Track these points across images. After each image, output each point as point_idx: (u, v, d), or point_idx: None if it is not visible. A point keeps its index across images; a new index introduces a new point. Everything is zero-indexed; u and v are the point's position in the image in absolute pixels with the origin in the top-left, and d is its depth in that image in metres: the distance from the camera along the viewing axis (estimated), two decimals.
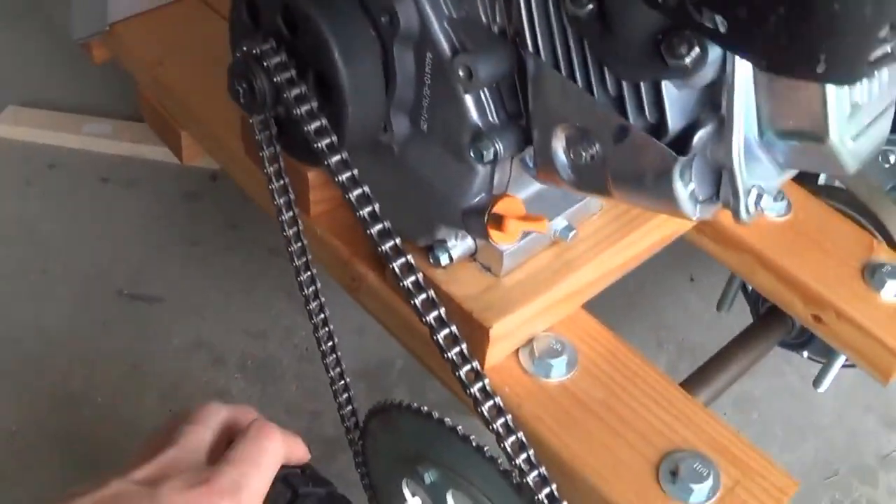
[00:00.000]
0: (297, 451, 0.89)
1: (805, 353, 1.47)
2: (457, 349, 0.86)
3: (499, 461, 0.88)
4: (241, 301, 1.79)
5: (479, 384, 0.85)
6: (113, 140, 2.09)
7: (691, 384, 1.28)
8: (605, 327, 1.11)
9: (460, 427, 0.90)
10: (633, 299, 1.87)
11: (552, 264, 1.07)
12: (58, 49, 2.23)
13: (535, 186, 1.02)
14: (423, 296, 0.87)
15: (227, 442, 0.82)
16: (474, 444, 0.89)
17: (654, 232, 1.15)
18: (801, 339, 1.43)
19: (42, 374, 1.64)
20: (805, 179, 1.63)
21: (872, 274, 1.23)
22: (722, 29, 0.65)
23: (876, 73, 0.76)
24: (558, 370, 1.04)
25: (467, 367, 0.86)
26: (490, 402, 0.85)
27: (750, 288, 1.47)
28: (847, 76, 0.64)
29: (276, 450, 0.82)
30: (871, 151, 0.80)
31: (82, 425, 1.57)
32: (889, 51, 0.65)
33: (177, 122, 1.53)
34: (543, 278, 1.05)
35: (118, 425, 1.58)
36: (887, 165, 1.65)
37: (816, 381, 1.44)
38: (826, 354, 1.41)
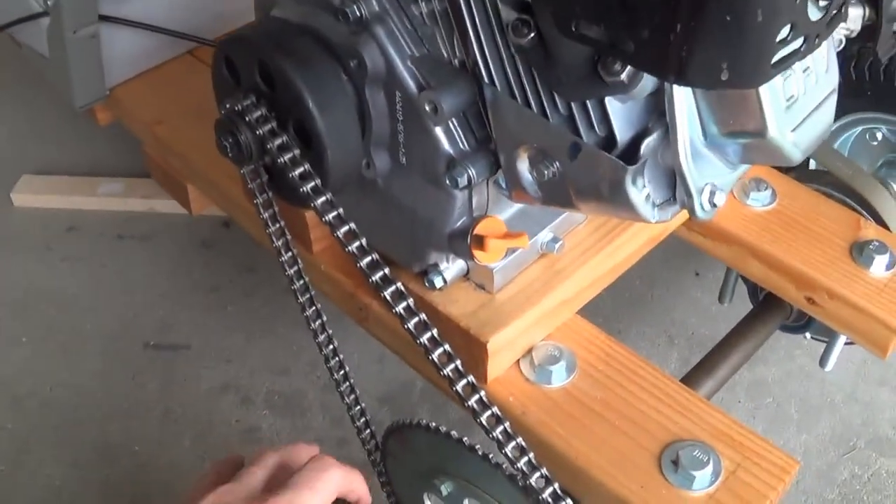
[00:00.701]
0: (356, 486, 0.90)
1: (808, 335, 1.50)
2: (451, 366, 0.91)
3: (504, 466, 0.92)
4: (262, 341, 1.85)
5: (476, 396, 0.90)
6: (126, 198, 2.15)
7: (696, 376, 1.32)
8: (601, 330, 1.15)
9: (466, 438, 0.95)
10: (642, 299, 1.92)
11: (542, 276, 1.11)
12: (66, 114, 2.29)
13: (518, 205, 1.07)
14: (416, 319, 0.92)
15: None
16: (480, 452, 0.93)
17: (640, 234, 1.19)
18: (801, 322, 1.46)
19: (80, 428, 1.69)
20: (795, 167, 1.67)
21: (860, 252, 1.27)
22: (630, 50, 0.69)
23: (806, 63, 0.81)
24: (558, 376, 1.09)
25: (463, 382, 0.90)
26: (488, 413, 0.90)
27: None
28: (752, 80, 0.69)
29: (332, 478, 0.84)
30: (816, 139, 0.85)
31: (123, 474, 1.62)
32: (797, 47, 0.69)
33: (181, 177, 1.59)
34: (535, 290, 1.10)
35: (157, 471, 1.63)
36: (874, 143, 1.68)
37: (822, 361, 1.48)
38: (828, 333, 1.44)
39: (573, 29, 0.72)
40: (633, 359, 1.12)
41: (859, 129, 1.68)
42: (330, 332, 1.10)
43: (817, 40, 0.72)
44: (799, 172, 1.50)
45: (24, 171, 2.24)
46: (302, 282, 1.09)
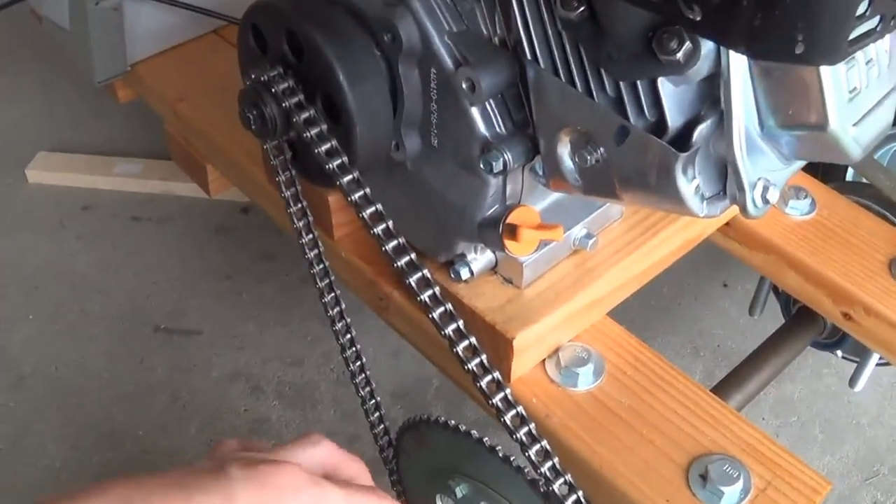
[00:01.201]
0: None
1: (839, 353, 1.46)
2: (477, 360, 0.86)
3: (526, 470, 0.88)
4: (276, 330, 1.81)
5: (501, 394, 0.86)
6: (143, 179, 2.11)
7: (724, 389, 1.28)
8: (631, 334, 1.10)
9: (486, 439, 0.90)
10: (669, 308, 1.87)
11: (573, 273, 1.07)
12: (84, 92, 2.27)
13: (553, 196, 1.03)
14: (441, 309, 0.87)
15: None
16: (501, 454, 0.89)
17: (675, 237, 1.15)
18: (834, 339, 1.42)
19: (83, 410, 1.66)
20: (832, 177, 1.62)
21: None
22: (697, 17, 0.65)
23: (869, 54, 0.76)
24: (585, 379, 1.04)
25: (488, 378, 0.86)
26: (513, 412, 0.85)
27: (780, 290, 1.46)
28: (828, 56, 0.64)
29: (326, 445, 0.80)
30: (876, 137, 0.80)
31: (125, 459, 1.59)
32: (873, 27, 0.64)
33: (201, 157, 1.55)
34: (565, 288, 1.05)
35: (160, 457, 1.59)
36: None
37: (852, 381, 1.43)
38: (859, 353, 1.40)
39: None
40: (664, 365, 1.07)
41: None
42: (348, 320, 1.06)
43: (893, 21, 0.67)
44: (839, 183, 1.46)
45: (40, 148, 2.21)
46: (322, 266, 1.04)
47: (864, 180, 1.45)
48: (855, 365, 1.43)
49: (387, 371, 1.72)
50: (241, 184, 1.42)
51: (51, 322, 1.82)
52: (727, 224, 1.27)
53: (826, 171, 1.67)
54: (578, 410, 1.02)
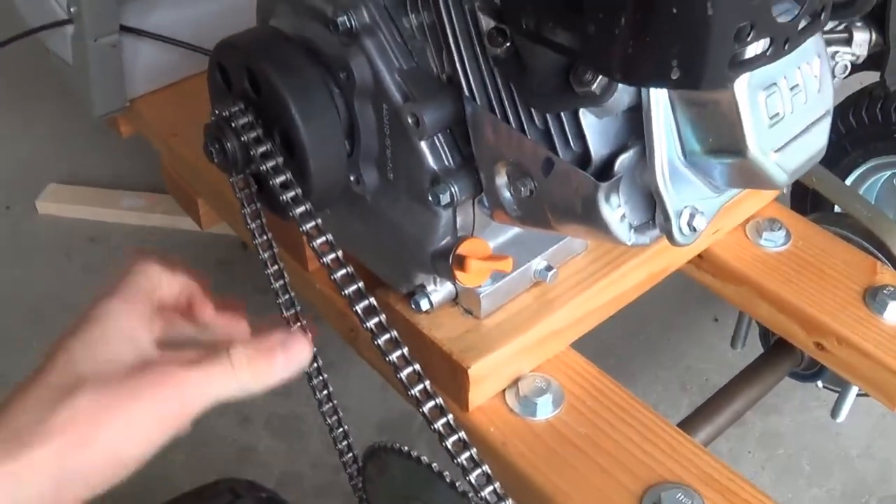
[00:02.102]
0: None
1: (819, 383, 1.46)
2: (420, 386, 0.88)
3: (471, 496, 0.89)
4: None
5: (443, 420, 0.87)
6: (147, 212, 2.15)
7: (693, 421, 1.28)
8: (592, 364, 1.11)
9: (435, 464, 0.92)
10: (657, 342, 1.87)
11: (532, 305, 1.08)
12: (94, 126, 2.30)
13: (512, 231, 1.05)
14: (387, 336, 0.89)
15: None
16: (448, 480, 0.90)
17: (639, 269, 1.16)
18: (813, 370, 1.41)
19: None
20: (816, 209, 1.63)
21: (874, 297, 1.22)
22: (576, 47, 0.66)
23: (794, 79, 0.78)
24: (544, 408, 1.06)
25: (431, 404, 0.87)
26: (454, 437, 0.87)
27: None
28: (706, 81, 0.65)
29: None
30: (805, 163, 0.81)
31: (115, 487, 1.60)
32: (762, 50, 0.66)
33: (193, 190, 1.58)
34: (523, 319, 1.07)
35: (151, 483, 1.59)
36: None
37: (834, 411, 1.43)
38: (840, 383, 1.39)
39: (537, 32, 0.70)
40: (624, 396, 1.08)
41: (886, 174, 1.64)
42: (314, 349, 1.07)
43: (787, 45, 0.68)
44: (819, 214, 1.46)
45: (51, 179, 2.25)
46: (287, 296, 1.06)
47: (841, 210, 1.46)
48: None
49: (373, 404, 1.73)
50: (227, 216, 1.45)
51: None
52: (699, 256, 1.28)
53: (814, 203, 1.69)
54: (535, 440, 1.03)
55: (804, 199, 1.72)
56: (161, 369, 0.71)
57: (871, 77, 1.50)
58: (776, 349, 1.39)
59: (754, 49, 0.67)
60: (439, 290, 1.06)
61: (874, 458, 1.70)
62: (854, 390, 1.38)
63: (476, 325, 1.06)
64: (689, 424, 1.26)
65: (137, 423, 0.70)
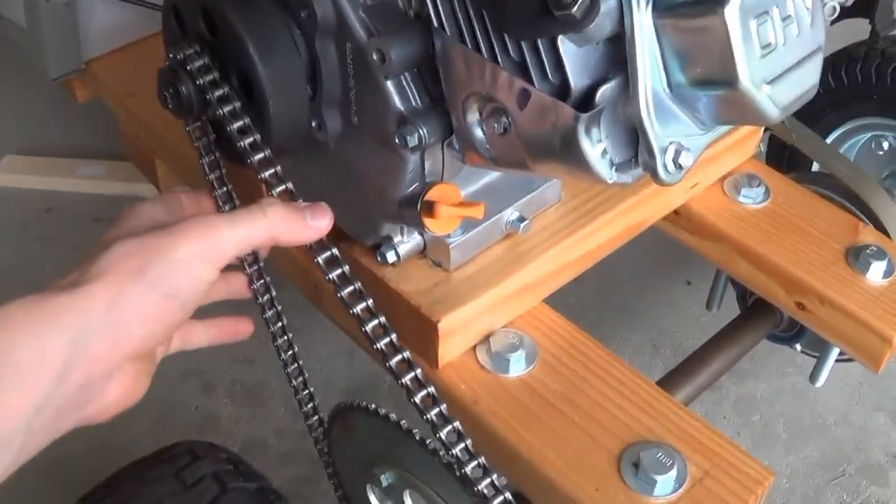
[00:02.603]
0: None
1: (798, 347, 1.42)
2: (386, 339, 0.83)
3: (441, 454, 0.85)
4: None
5: (411, 374, 0.83)
6: (106, 181, 2.10)
7: (671, 381, 1.25)
8: (567, 321, 1.07)
9: (404, 422, 0.88)
10: (630, 304, 1.84)
11: (504, 257, 1.04)
12: (50, 96, 2.24)
13: (484, 178, 1.01)
14: (350, 288, 0.85)
15: None
16: (418, 438, 0.86)
17: (616, 222, 1.12)
18: (792, 332, 1.38)
19: None
20: (793, 167, 1.60)
21: (857, 256, 1.19)
22: None
23: (787, 10, 0.73)
24: (517, 365, 1.01)
25: (398, 358, 0.83)
26: (423, 392, 0.82)
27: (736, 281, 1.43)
28: None
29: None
30: (798, 99, 0.76)
31: (75, 455, 1.56)
32: None
33: (150, 151, 1.53)
34: (495, 272, 1.02)
35: (112, 452, 1.56)
36: (881, 152, 1.62)
37: (813, 376, 1.40)
38: (819, 347, 1.37)
39: None
40: (600, 352, 1.04)
41: (866, 135, 1.62)
42: (279, 307, 1.03)
43: None
44: (799, 174, 1.43)
45: (6, 151, 2.20)
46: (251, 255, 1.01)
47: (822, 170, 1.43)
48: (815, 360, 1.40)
49: (340, 369, 1.70)
50: (185, 175, 1.40)
51: None
52: (676, 213, 1.25)
53: (790, 163, 1.66)
54: (508, 397, 0.99)
55: (781, 158, 1.69)
56: (195, 219, 0.77)
57: (852, 36, 1.47)
58: (755, 310, 1.36)
59: None
60: (407, 242, 1.01)
61: (851, 426, 1.68)
62: (834, 354, 1.35)
63: (445, 278, 1.01)
64: (666, 384, 1.22)
65: (179, 257, 0.74)
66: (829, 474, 1.61)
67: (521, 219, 1.03)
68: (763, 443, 1.64)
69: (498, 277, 1.02)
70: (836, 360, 1.36)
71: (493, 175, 1.01)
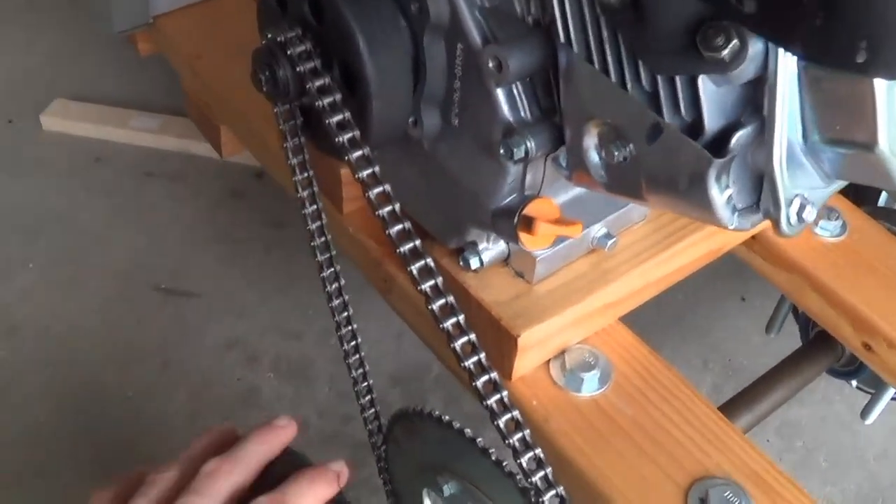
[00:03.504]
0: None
1: (854, 382, 1.40)
2: (475, 358, 0.81)
3: (518, 477, 0.83)
4: (278, 301, 1.76)
5: (496, 396, 0.81)
6: (160, 135, 2.07)
7: (733, 407, 1.23)
8: (642, 342, 1.05)
9: (480, 439, 0.85)
10: (682, 316, 1.82)
11: (588, 273, 1.01)
12: (107, 43, 2.21)
13: (573, 191, 0.98)
14: (442, 301, 0.82)
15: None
16: (493, 457, 0.84)
17: (699, 245, 1.09)
18: (851, 368, 1.36)
19: (74, 366, 1.62)
20: (864, 201, 1.56)
21: None
22: (751, 11, 0.59)
23: None
24: (590, 385, 0.99)
25: (485, 378, 0.81)
26: (507, 416, 0.80)
27: (800, 311, 1.41)
28: (892, 69, 0.58)
29: (226, 475, 0.78)
30: None
31: (110, 420, 1.55)
32: None
33: (216, 117, 1.51)
34: (578, 287, 1.00)
35: (147, 422, 1.55)
36: None
37: (864, 413, 1.39)
38: (876, 385, 1.36)
39: None
40: (673, 378, 1.02)
41: None
42: (346, 297, 1.01)
43: None
44: (871, 208, 1.40)
45: (57, 94, 2.16)
46: (323, 239, 1.00)
47: None
48: (868, 396, 1.39)
49: (388, 353, 1.67)
50: (252, 146, 1.38)
51: (50, 273, 1.78)
52: (752, 238, 1.22)
53: (858, 194, 1.62)
54: (580, 417, 0.97)
55: (847, 187, 1.66)
56: None
57: None
58: (817, 343, 1.33)
59: None
60: (491, 249, 0.99)
61: (891, 461, 1.66)
62: (889, 394, 1.34)
63: (527, 290, 0.99)
64: (728, 410, 1.20)
65: None
66: None
67: (609, 236, 1.00)
68: (803, 470, 1.62)
69: (580, 294, 0.99)
70: (891, 399, 1.36)
71: (582, 189, 0.98)
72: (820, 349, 1.33)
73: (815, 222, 1.22)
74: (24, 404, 1.55)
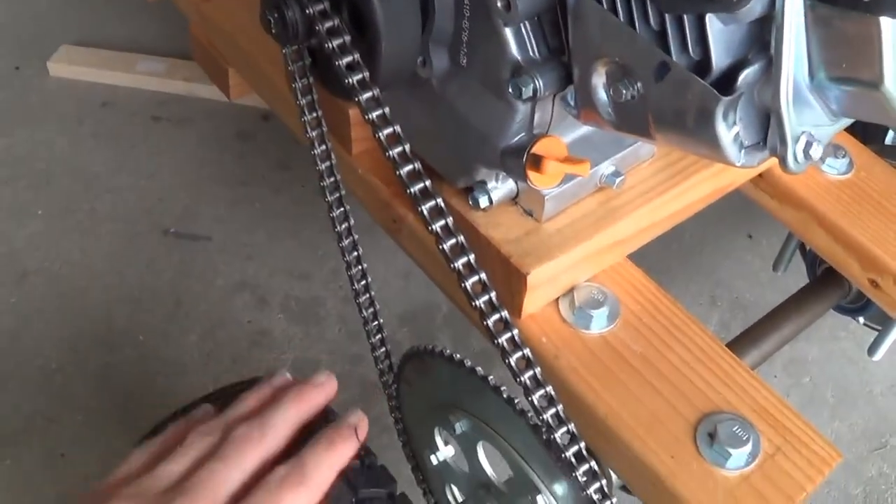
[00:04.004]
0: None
1: (861, 319, 1.42)
2: (485, 297, 0.82)
3: (529, 415, 0.84)
4: (287, 242, 1.78)
5: (507, 335, 0.82)
6: (166, 78, 2.07)
7: (740, 344, 1.24)
8: (650, 280, 1.06)
9: (492, 378, 0.87)
10: (690, 254, 1.83)
11: (597, 211, 1.02)
12: None
13: (581, 129, 0.98)
14: (453, 241, 0.83)
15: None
16: (505, 396, 0.85)
17: (706, 183, 1.10)
18: (858, 304, 1.37)
19: (85, 311, 1.63)
20: (871, 139, 1.57)
21: None
22: None
23: None
24: (599, 322, 1.00)
25: (496, 317, 0.82)
26: (518, 354, 0.81)
27: (808, 248, 1.41)
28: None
29: (236, 461, 0.78)
30: None
31: (123, 363, 1.56)
32: None
33: (224, 59, 1.50)
34: (587, 225, 1.00)
35: (159, 364, 1.57)
36: None
37: (871, 349, 1.39)
38: (882, 322, 1.36)
39: None
40: (681, 315, 1.03)
41: None
42: (356, 237, 1.02)
43: None
44: (879, 146, 1.40)
45: (63, 41, 2.17)
46: (332, 179, 1.01)
47: None
48: (876, 333, 1.39)
49: (396, 293, 1.69)
50: (261, 89, 1.37)
51: (59, 219, 1.79)
52: (759, 175, 1.22)
53: (866, 132, 1.62)
54: (589, 354, 0.98)
55: (854, 125, 1.66)
56: None
57: None
58: (824, 279, 1.34)
59: None
60: (500, 188, 0.99)
61: None
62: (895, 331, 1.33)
63: (536, 228, 0.99)
64: (735, 347, 1.21)
65: None
66: (871, 444, 1.61)
67: (617, 174, 1.00)
68: (811, 406, 1.64)
69: (589, 232, 1.00)
70: None
71: (590, 127, 0.99)
72: (827, 286, 1.33)
73: (822, 160, 1.23)
74: (36, 349, 1.57)
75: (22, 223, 1.77)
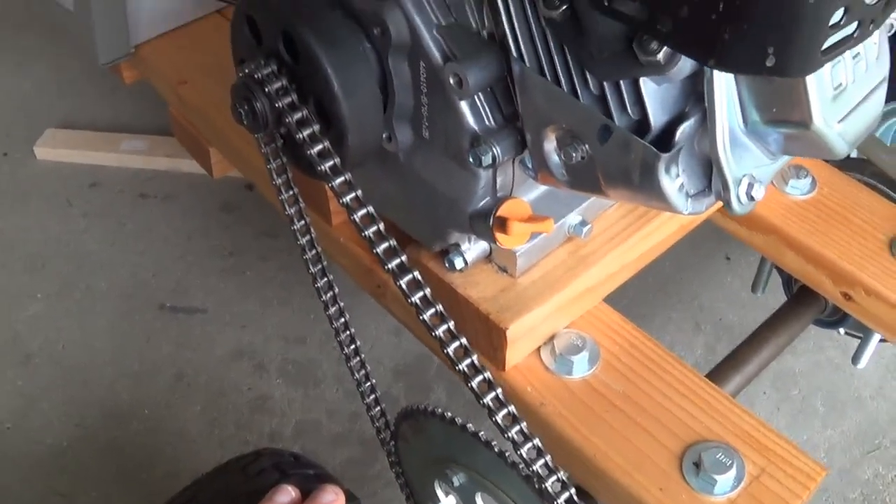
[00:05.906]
0: None
1: (841, 330, 1.45)
2: (468, 361, 0.86)
3: (520, 466, 0.88)
4: (279, 308, 1.81)
5: (492, 394, 0.85)
6: (150, 156, 2.12)
7: (724, 370, 1.27)
8: (626, 320, 1.10)
9: (483, 433, 0.90)
10: (670, 282, 1.87)
11: (567, 261, 1.06)
12: (92, 71, 2.26)
13: (545, 186, 1.02)
14: (432, 310, 0.87)
15: None
16: (497, 450, 0.89)
17: (671, 221, 1.14)
18: (836, 318, 1.41)
19: (89, 388, 1.67)
20: None
21: None
22: (666, 30, 0.64)
23: (856, 49, 0.75)
24: (580, 366, 1.04)
25: (479, 378, 0.85)
26: (504, 411, 0.85)
27: None
28: (799, 68, 0.63)
29: None
30: (864, 131, 0.79)
31: (131, 438, 1.60)
32: (850, 33, 0.64)
33: (204, 139, 1.54)
34: (559, 276, 1.05)
35: (166, 435, 1.60)
36: None
37: (855, 358, 1.42)
38: (862, 329, 1.38)
39: (606, 3, 0.67)
40: (659, 351, 1.07)
41: None
42: (342, 304, 1.06)
43: (872, 26, 0.66)
44: (841, 160, 1.44)
45: (49, 124, 2.21)
46: (314, 251, 1.04)
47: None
48: (858, 340, 1.42)
49: (389, 349, 1.72)
50: (241, 167, 1.42)
51: (57, 300, 1.83)
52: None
53: None
54: (573, 399, 1.02)
55: None
56: None
57: None
58: (800, 297, 1.37)
59: (844, 32, 0.64)
60: (473, 248, 1.04)
61: (887, 399, 1.71)
62: (876, 338, 1.37)
63: (511, 284, 1.04)
64: (717, 375, 1.24)
65: None
66: (865, 447, 1.64)
67: (584, 223, 1.05)
68: (802, 417, 1.67)
69: (562, 282, 1.04)
70: (879, 342, 1.38)
71: None
72: (804, 303, 1.36)
73: (785, 182, 1.27)
74: (44, 429, 1.61)
75: (21, 306, 1.81)
